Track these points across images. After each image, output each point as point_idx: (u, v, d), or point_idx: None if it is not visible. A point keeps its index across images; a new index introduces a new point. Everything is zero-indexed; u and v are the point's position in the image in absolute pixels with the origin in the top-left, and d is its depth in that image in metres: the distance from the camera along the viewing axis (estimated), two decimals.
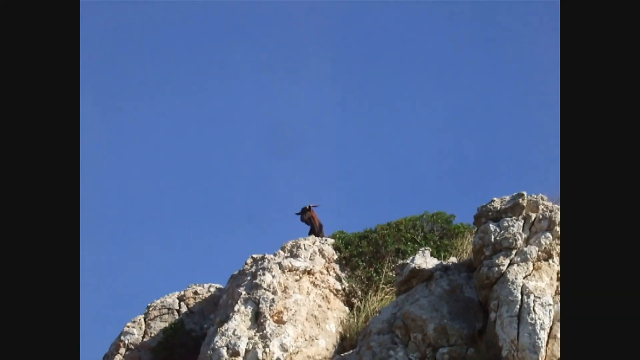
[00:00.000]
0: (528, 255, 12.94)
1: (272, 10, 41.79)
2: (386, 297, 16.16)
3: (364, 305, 16.14)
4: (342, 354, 15.18)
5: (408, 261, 14.28)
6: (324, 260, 17.08)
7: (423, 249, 14.65)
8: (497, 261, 12.99)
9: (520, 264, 12.88)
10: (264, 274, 16.08)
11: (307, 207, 19.32)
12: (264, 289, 15.78)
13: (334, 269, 17.08)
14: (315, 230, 19.05)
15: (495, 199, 13.71)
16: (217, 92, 42.54)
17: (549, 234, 13.12)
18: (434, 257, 14.75)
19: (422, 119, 41.90)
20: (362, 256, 17.37)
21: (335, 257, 17.31)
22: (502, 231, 13.26)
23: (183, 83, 42.36)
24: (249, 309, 15.54)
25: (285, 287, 15.95)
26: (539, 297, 12.43)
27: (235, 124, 42.15)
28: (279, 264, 16.36)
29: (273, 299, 15.58)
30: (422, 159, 40.49)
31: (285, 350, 14.88)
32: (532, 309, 12.34)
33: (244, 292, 15.87)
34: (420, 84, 42.11)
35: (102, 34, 41.34)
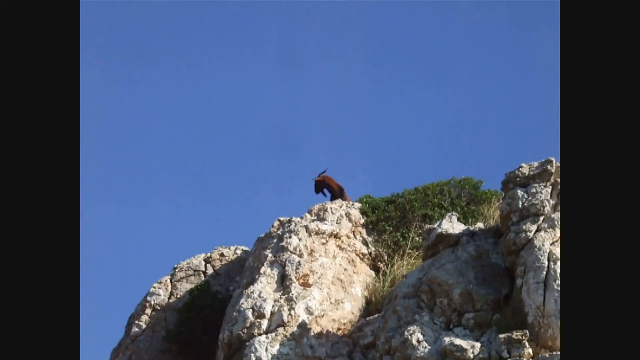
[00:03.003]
0: (556, 222, 12.87)
1: (273, 10, 41.77)
2: (412, 261, 16.14)
3: (390, 270, 16.13)
4: (367, 318, 15.20)
5: (435, 226, 14.25)
6: (351, 224, 17.07)
7: (450, 214, 14.60)
8: (524, 227, 12.94)
9: (548, 230, 12.82)
10: (290, 237, 16.10)
11: (317, 178, 19.20)
12: (290, 252, 15.80)
13: (360, 232, 17.08)
14: (336, 195, 18.96)
15: (523, 164, 13.63)
16: (218, 92, 42.65)
17: None
18: (461, 222, 14.70)
19: (423, 115, 41.94)
20: (388, 220, 17.35)
21: (362, 221, 17.30)
22: (530, 197, 13.19)
23: (183, 82, 42.49)
24: (275, 272, 15.57)
25: (312, 250, 15.96)
26: None
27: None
28: (306, 227, 16.37)
29: (299, 262, 15.60)
30: (423, 157, 40.57)
31: (311, 313, 14.90)
32: (558, 275, 12.29)
33: (270, 255, 15.90)
34: (421, 82, 42.12)
35: (102, 34, 41.46)
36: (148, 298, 18.17)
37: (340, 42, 41.60)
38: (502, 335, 12.18)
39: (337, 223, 16.83)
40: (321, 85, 42.11)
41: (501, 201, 14.00)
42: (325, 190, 19.18)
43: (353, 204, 17.69)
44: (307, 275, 15.49)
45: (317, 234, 16.34)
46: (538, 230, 12.88)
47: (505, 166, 14.42)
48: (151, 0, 41.45)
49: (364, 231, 17.16)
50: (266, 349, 14.32)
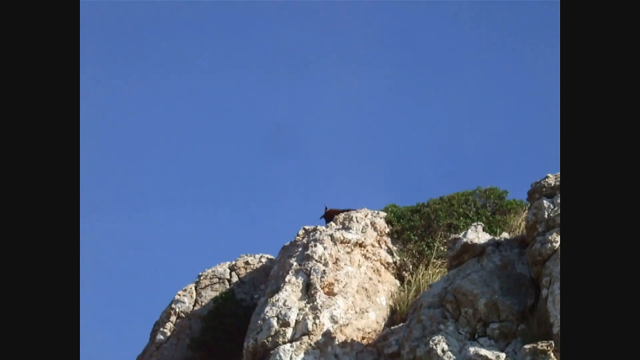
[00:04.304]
0: None
1: (273, 10, 41.78)
2: (437, 271, 16.14)
3: (415, 279, 16.12)
4: (392, 327, 15.19)
5: (460, 236, 14.24)
6: (376, 233, 17.07)
7: (475, 224, 14.59)
8: (550, 237, 12.91)
9: None
10: (315, 246, 16.11)
11: (322, 217, 19.07)
12: (315, 261, 15.81)
13: (385, 242, 17.08)
14: None
15: (549, 175, 13.60)
16: (218, 92, 42.68)
17: None
18: (486, 232, 14.68)
19: (423, 116, 41.86)
20: (414, 230, 17.35)
21: (387, 230, 17.30)
22: (556, 207, 13.17)
23: (183, 82, 42.51)
24: (300, 280, 15.58)
25: (337, 259, 15.97)
26: None
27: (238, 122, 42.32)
28: (331, 235, 16.38)
29: (324, 271, 15.61)
30: (422, 156, 40.53)
31: (335, 322, 14.90)
32: None
33: (295, 263, 15.92)
34: (420, 82, 42.06)
35: (102, 34, 41.55)
36: (173, 305, 18.22)
37: (341, 43, 41.62)
38: (527, 346, 12.15)
39: (362, 232, 16.84)
40: (328, 87, 42.13)
41: (527, 211, 13.98)
42: None
43: (378, 213, 17.70)
44: (332, 284, 15.50)
45: (342, 242, 16.35)
46: None
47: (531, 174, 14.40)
48: (151, 0, 41.58)
49: (389, 240, 17.16)
50: (291, 358, 14.33)
